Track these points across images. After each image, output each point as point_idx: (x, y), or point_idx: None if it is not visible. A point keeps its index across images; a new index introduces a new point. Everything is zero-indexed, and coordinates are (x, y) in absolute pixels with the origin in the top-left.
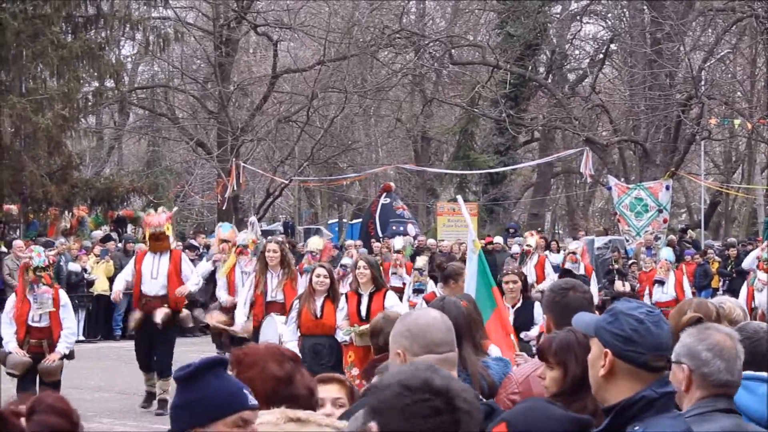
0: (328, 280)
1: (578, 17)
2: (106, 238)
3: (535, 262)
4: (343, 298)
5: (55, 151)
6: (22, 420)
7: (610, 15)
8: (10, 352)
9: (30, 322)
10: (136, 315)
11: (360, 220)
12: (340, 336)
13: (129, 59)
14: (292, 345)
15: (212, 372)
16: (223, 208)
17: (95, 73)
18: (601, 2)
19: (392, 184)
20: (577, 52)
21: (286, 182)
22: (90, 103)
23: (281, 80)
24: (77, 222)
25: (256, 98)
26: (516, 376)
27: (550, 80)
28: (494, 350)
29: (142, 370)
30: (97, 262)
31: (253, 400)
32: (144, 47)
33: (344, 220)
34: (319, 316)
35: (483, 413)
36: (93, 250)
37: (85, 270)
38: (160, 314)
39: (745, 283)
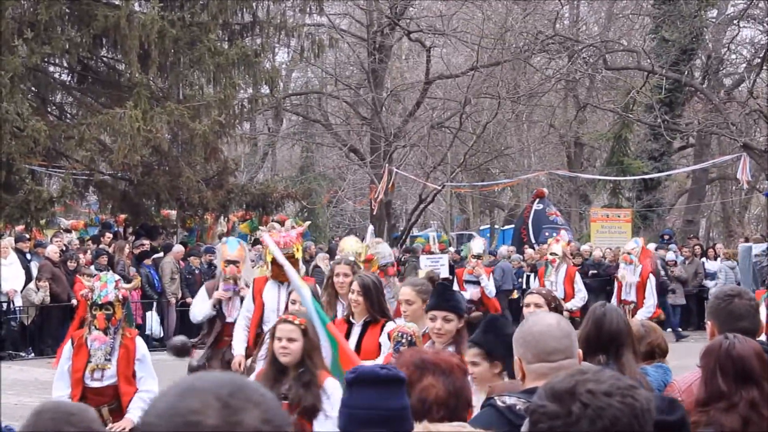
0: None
1: (735, 21)
2: (255, 242)
3: (563, 276)
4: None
5: (211, 157)
6: None
7: (767, 19)
8: None
9: (87, 381)
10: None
11: (512, 226)
12: None
13: (283, 66)
14: None
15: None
16: (375, 213)
17: (251, 80)
18: (758, 6)
19: (545, 189)
20: (733, 56)
21: (439, 188)
22: (246, 110)
23: (434, 86)
24: (232, 226)
25: (408, 104)
26: (679, 384)
27: (705, 85)
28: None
29: None
30: (252, 267)
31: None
32: (299, 54)
33: (496, 226)
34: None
35: (630, 420)
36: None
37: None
38: None
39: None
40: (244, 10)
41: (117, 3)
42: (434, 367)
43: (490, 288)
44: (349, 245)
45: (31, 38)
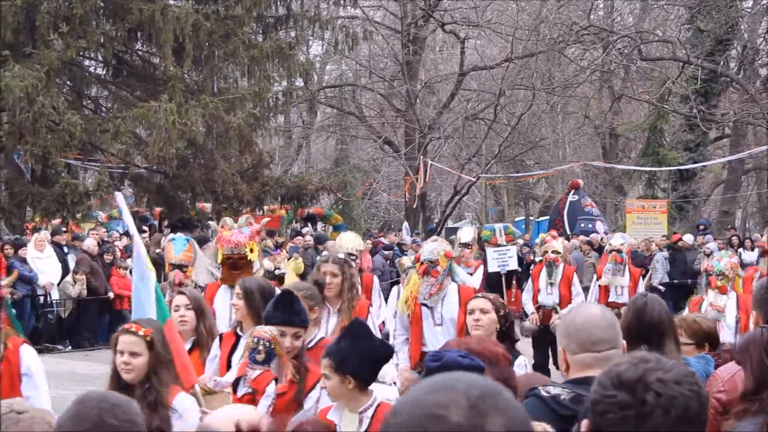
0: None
1: None
2: (295, 234)
3: (560, 278)
4: (216, 341)
5: (246, 150)
6: None
7: None
8: None
9: None
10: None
11: (547, 217)
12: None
13: (318, 58)
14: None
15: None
16: (414, 206)
17: (285, 73)
18: None
19: (580, 181)
20: None
21: (474, 180)
22: (280, 102)
23: (468, 78)
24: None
25: (443, 96)
26: (722, 375)
27: (741, 75)
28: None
29: None
30: (288, 259)
31: None
32: (333, 46)
33: (531, 218)
34: None
35: (698, 407)
36: (285, 247)
37: (278, 268)
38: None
39: (687, 304)
40: (278, 3)
41: None
42: (480, 357)
43: (466, 279)
44: (347, 241)
45: (66, 32)
